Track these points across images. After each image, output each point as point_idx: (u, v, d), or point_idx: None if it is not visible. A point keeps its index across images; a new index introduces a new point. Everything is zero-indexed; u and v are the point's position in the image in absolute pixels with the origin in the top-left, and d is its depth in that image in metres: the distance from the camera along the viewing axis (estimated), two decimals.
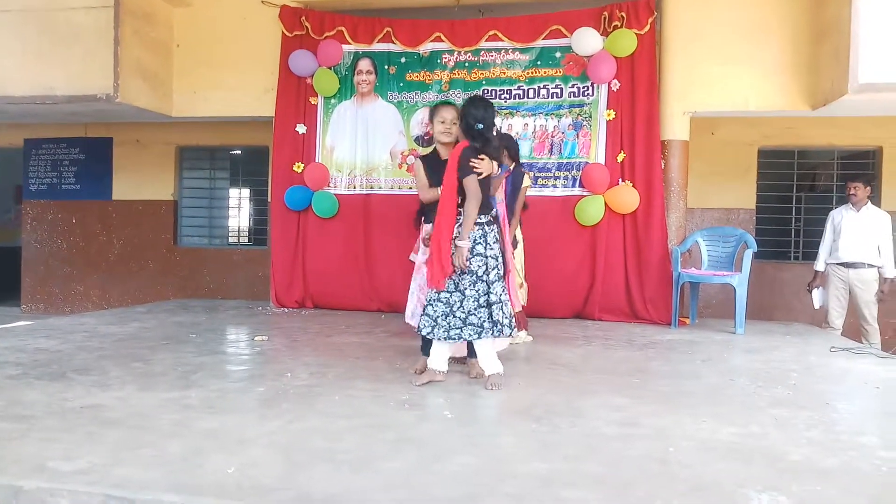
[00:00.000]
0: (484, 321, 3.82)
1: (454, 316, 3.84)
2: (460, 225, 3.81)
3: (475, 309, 3.82)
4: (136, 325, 6.01)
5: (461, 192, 3.82)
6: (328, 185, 7.31)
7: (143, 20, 7.26)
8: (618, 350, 5.25)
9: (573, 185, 6.83)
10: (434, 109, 4.22)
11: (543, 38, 6.91)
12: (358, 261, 7.26)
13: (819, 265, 6.49)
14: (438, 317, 3.85)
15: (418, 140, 7.21)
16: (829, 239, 6.44)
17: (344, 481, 2.46)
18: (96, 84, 6.96)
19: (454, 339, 3.85)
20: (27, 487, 2.36)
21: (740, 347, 5.54)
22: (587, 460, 2.72)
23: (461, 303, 3.83)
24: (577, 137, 6.86)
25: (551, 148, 6.92)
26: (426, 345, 4.19)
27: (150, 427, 3.03)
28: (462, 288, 3.83)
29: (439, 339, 3.87)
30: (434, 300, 3.87)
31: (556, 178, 6.87)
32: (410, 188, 7.11)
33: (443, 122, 4.11)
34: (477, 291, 3.83)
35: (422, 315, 3.91)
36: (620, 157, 6.74)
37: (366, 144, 7.31)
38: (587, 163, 6.79)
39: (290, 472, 2.53)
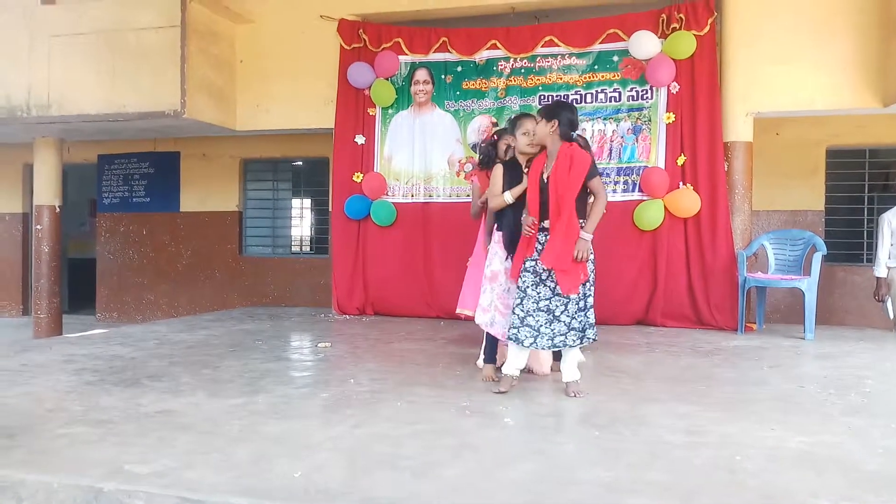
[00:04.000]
0: (584, 325, 3.82)
1: (559, 321, 3.82)
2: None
3: (576, 313, 3.81)
4: (205, 332, 6.20)
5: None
6: (386, 194, 7.40)
7: (208, 38, 7.51)
8: (682, 357, 5.15)
9: (632, 190, 6.74)
10: (516, 122, 4.22)
11: (600, 43, 6.86)
12: (417, 268, 7.33)
13: (881, 271, 6.20)
14: (542, 325, 3.83)
15: (475, 147, 7.22)
16: (887, 243, 6.14)
17: (407, 487, 2.49)
18: (165, 101, 7.23)
19: (559, 346, 3.85)
20: (107, 489, 2.47)
21: (810, 353, 5.37)
22: (651, 468, 2.69)
23: (566, 306, 3.82)
24: (637, 142, 6.78)
25: (610, 152, 6.85)
26: (491, 353, 4.29)
27: (219, 432, 3.13)
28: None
29: (543, 347, 3.86)
30: (534, 310, 3.84)
31: (616, 182, 6.79)
32: (468, 196, 7.13)
33: (525, 134, 4.12)
34: (578, 295, 3.81)
35: (520, 327, 3.84)
36: (681, 161, 6.63)
37: (423, 153, 7.38)
38: (646, 167, 6.70)
39: (354, 476, 2.58)
